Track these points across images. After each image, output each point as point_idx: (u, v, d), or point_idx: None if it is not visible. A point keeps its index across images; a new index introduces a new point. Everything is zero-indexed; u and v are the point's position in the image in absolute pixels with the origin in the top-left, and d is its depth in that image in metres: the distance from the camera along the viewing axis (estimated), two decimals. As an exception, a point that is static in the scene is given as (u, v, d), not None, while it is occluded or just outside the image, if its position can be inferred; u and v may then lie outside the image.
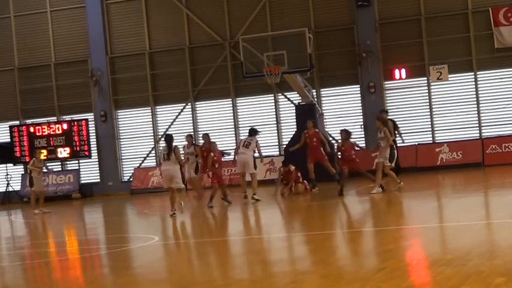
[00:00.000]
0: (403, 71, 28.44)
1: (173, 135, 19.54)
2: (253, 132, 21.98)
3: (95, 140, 31.65)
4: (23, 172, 32.20)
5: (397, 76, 28.47)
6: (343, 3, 29.28)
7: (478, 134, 28.06)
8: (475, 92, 28.10)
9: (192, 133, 28.35)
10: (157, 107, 31.42)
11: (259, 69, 26.40)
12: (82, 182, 31.58)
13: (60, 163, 32.23)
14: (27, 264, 12.81)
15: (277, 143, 29.87)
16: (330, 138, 28.57)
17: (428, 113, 28.48)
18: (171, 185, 18.56)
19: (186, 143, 22.99)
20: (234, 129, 30.43)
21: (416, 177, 23.99)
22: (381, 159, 19.74)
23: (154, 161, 31.27)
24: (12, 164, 31.93)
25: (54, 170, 32.03)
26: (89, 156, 31.27)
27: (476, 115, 28.11)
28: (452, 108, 28.30)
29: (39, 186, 23.84)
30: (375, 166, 20.10)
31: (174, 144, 18.54)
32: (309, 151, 22.29)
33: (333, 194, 20.30)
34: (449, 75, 27.72)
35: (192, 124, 30.70)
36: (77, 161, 31.72)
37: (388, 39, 28.80)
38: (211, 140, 22.59)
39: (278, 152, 29.49)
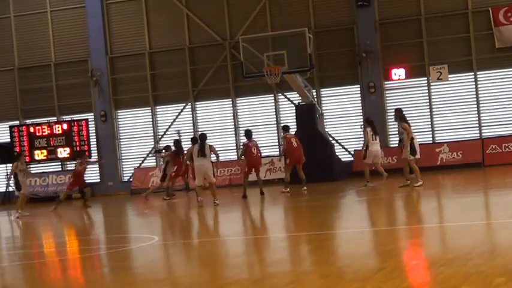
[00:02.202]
0: (401, 71, 28.45)
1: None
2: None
3: (95, 140, 31.65)
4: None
5: (394, 77, 28.47)
6: (343, 3, 29.28)
7: (478, 134, 28.05)
8: (475, 92, 28.10)
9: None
10: (157, 107, 31.41)
11: (259, 69, 26.40)
12: (82, 182, 31.53)
13: (60, 163, 32.23)
14: (27, 264, 12.80)
15: (277, 143, 29.85)
16: (330, 139, 28.61)
17: (428, 113, 28.47)
18: (202, 182, 20.53)
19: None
20: (234, 129, 30.43)
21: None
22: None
23: (155, 161, 31.27)
24: (12, 164, 31.85)
25: (54, 170, 32.15)
26: (89, 156, 31.23)
27: (476, 115, 28.10)
28: (452, 108, 28.29)
29: (26, 189, 23.48)
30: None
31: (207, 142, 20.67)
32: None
33: (330, 194, 20.27)
34: (449, 75, 27.71)
35: (192, 124, 30.69)
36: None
37: (388, 39, 28.80)
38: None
39: (278, 152, 29.48)
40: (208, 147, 20.50)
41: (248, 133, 22.91)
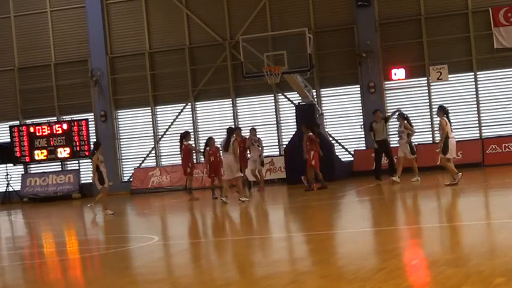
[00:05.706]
0: (401, 71, 28.46)
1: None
2: None
3: (95, 140, 31.62)
4: (23, 172, 32.23)
5: (394, 77, 28.47)
6: (343, 3, 29.28)
7: (478, 134, 28.05)
8: (475, 92, 28.11)
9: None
10: (157, 107, 31.42)
11: (259, 69, 26.40)
12: (82, 182, 31.57)
13: (60, 163, 32.23)
14: (27, 264, 12.81)
15: (277, 143, 29.87)
16: (330, 139, 28.61)
17: (429, 113, 28.47)
18: (230, 176, 20.75)
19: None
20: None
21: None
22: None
23: (155, 161, 31.30)
24: (12, 164, 31.92)
25: (54, 170, 32.16)
26: (89, 156, 31.23)
27: (476, 115, 28.11)
28: (452, 108, 28.19)
29: (107, 182, 20.90)
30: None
31: (232, 137, 20.92)
32: None
33: (330, 194, 20.24)
34: (449, 75, 27.72)
35: (192, 124, 30.69)
36: (77, 161, 31.71)
37: (388, 39, 28.80)
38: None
39: (278, 152, 29.50)
40: (231, 143, 20.81)
41: (316, 125, 24.16)
